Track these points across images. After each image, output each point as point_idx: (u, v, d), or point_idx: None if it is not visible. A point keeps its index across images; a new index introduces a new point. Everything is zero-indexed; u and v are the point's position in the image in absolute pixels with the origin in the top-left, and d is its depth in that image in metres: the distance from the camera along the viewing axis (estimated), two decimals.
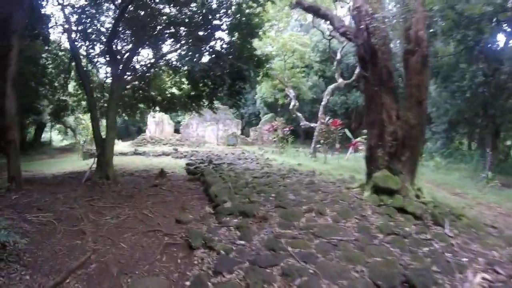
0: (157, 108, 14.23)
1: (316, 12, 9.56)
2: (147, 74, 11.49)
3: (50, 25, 10.57)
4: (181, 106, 13.40)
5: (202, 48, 9.51)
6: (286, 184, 8.64)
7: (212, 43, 9.86)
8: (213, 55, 9.15)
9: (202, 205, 6.97)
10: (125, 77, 9.86)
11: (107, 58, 9.97)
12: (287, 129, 21.01)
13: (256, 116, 38.16)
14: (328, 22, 10.53)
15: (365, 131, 12.35)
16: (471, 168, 16.66)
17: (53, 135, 32.89)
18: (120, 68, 9.42)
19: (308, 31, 32.10)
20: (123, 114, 15.41)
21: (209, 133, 30.74)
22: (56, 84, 15.02)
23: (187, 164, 13.93)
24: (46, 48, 13.22)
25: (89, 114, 16.20)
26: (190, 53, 8.71)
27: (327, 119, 16.17)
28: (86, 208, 6.50)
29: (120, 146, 27.64)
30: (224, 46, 9.89)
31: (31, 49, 12.57)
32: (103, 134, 9.45)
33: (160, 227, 5.42)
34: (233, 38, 10.05)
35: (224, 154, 19.45)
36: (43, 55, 13.89)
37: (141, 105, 13.59)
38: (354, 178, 10.87)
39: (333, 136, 16.12)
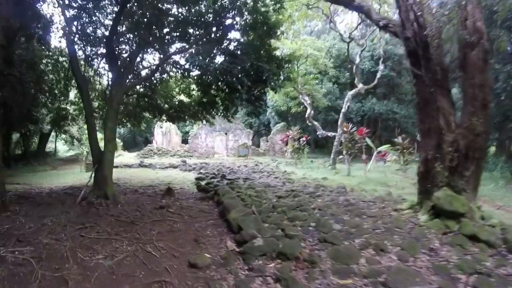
0: (164, 118, 12.98)
1: (349, 3, 8.18)
2: (151, 79, 10.22)
3: (45, 24, 9.34)
4: (190, 115, 12.10)
5: (216, 48, 8.22)
6: (320, 206, 7.16)
7: (225, 44, 8.59)
8: (229, 55, 7.80)
9: (221, 236, 5.53)
10: (127, 81, 8.54)
11: (107, 60, 8.69)
12: (304, 139, 19.55)
13: (265, 126, 36.72)
14: (364, 15, 9.15)
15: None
16: (498, 176, 15.24)
17: (59, 145, 31.84)
18: (121, 71, 8.12)
19: (320, 36, 30.85)
20: (128, 124, 14.23)
21: (219, 144, 29.39)
22: (56, 91, 13.93)
23: (197, 179, 12.53)
24: (47, 53, 12.17)
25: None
26: (202, 53, 7.38)
27: (350, 127, 14.69)
28: (75, 241, 5.12)
29: (125, 157, 26.47)
30: (240, 46, 8.60)
31: (29, 53, 11.48)
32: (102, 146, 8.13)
33: (169, 275, 3.97)
34: (249, 38, 8.79)
35: (237, 166, 18.01)
36: (43, 61, 12.86)
37: (146, 114, 12.29)
38: (391, 195, 9.40)
39: (357, 146, 14.65)
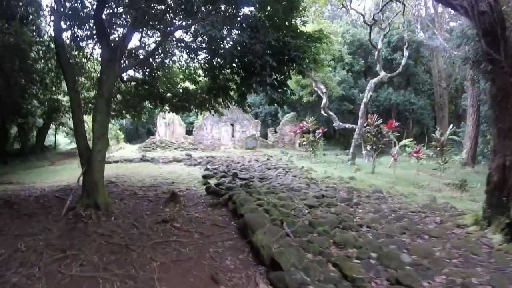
0: (167, 107, 11.53)
1: None
2: (152, 63, 8.71)
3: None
4: (197, 104, 10.62)
5: (229, 22, 6.65)
6: (367, 222, 5.70)
7: (240, 17, 7.02)
8: (249, 29, 6.20)
9: (247, 270, 4.07)
10: (121, 64, 7.02)
11: (97, 39, 7.15)
12: (320, 131, 17.95)
13: (272, 116, 34.95)
14: None
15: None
16: None
17: (60, 138, 30.56)
18: (113, 52, 6.59)
19: (332, 21, 28.97)
20: (127, 116, 12.83)
21: (225, 135, 27.89)
22: (47, 81, 12.50)
23: (205, 177, 11.08)
24: (37, 39, 10.72)
25: (91, 115, 13.60)
26: (213, 26, 5.80)
27: (375, 118, 13.08)
28: (50, 280, 3.72)
29: (127, 150, 25.09)
30: (259, 20, 7.01)
31: (16, 38, 10.01)
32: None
33: None
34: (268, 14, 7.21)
35: (247, 161, 16.49)
36: (33, 48, 11.42)
37: (147, 104, 10.84)
38: (436, 201, 7.92)
39: (384, 141, 13.12)
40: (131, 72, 9.66)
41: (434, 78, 28.22)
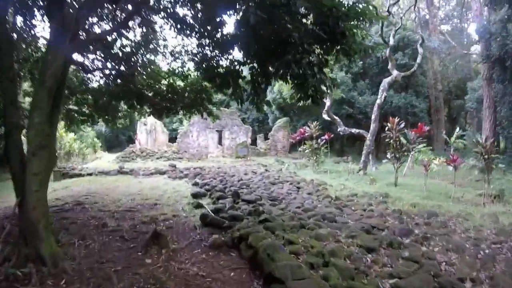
0: (146, 109, 9.40)
1: None
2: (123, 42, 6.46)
3: None
4: (185, 105, 8.46)
5: None
6: (465, 273, 3.77)
7: None
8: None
9: None
10: (74, 42, 4.70)
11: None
12: (326, 137, 15.86)
13: (259, 122, 32.82)
14: None
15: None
16: None
17: None
18: (64, 24, 4.32)
19: None
20: (99, 121, 10.55)
21: (213, 143, 25.58)
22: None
23: (195, 196, 8.87)
24: None
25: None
26: None
27: (396, 121, 11.03)
28: None
29: (104, 160, 22.38)
30: None
31: None
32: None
33: None
34: None
35: (242, 173, 14.20)
36: None
37: (120, 104, 8.59)
38: (505, 226, 5.96)
39: (411, 147, 11.18)
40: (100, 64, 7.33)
41: (429, 80, 27.00)
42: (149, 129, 24.92)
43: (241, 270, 4.21)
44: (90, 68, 6.40)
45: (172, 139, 26.72)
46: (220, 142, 25.53)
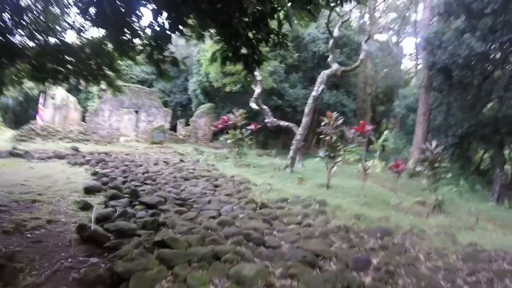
0: (22, 71, 6.78)
1: None
2: None
3: None
4: (81, 70, 6.30)
5: None
6: None
7: None
8: None
9: None
10: None
11: None
12: (253, 127, 14.18)
13: (182, 106, 30.19)
14: None
15: None
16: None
17: None
18: None
19: None
20: None
21: (127, 125, 22.43)
22: None
23: (88, 191, 6.53)
24: None
25: None
26: None
27: (334, 116, 9.71)
28: None
29: (0, 139, 17.81)
30: None
31: None
32: None
33: None
34: None
35: (152, 163, 11.88)
36: None
37: None
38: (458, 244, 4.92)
39: (351, 147, 10.04)
40: None
41: (359, 83, 27.47)
42: (58, 104, 20.78)
43: None
44: None
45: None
46: (136, 124, 22.53)
